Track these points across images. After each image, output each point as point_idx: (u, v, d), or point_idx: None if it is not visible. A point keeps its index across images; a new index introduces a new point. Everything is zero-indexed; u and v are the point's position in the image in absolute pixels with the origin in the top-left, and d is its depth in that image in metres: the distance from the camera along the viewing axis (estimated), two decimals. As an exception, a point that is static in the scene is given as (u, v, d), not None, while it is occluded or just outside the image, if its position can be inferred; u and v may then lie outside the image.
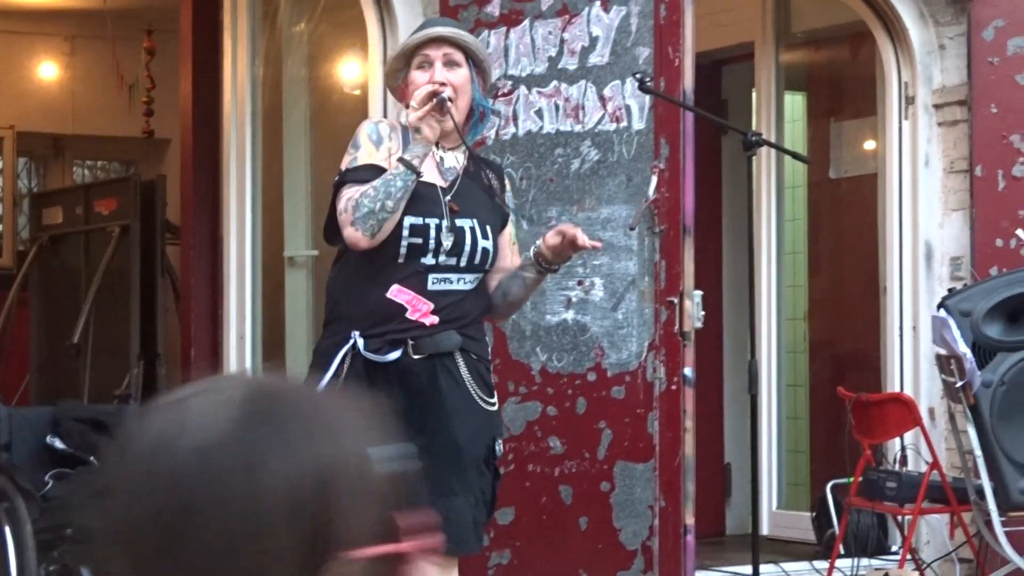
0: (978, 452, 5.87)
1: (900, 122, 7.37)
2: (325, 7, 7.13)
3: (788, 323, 8.38)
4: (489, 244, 4.42)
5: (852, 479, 6.58)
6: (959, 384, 5.91)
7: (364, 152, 4.37)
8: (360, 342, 4.29)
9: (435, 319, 4.31)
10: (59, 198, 10.44)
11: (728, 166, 8.64)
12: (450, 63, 4.39)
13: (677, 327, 5.42)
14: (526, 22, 5.74)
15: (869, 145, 8.04)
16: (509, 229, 4.59)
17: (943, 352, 6.07)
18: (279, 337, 7.26)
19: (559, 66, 5.67)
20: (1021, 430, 5.87)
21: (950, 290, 6.38)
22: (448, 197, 4.40)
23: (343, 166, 4.42)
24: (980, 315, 5.95)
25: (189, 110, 7.47)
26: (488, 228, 4.43)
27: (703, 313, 5.47)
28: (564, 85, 5.65)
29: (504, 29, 5.78)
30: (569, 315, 5.60)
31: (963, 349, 5.87)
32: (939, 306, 6.12)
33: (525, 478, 5.66)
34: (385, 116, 6.41)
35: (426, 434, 4.25)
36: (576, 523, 5.56)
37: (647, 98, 5.45)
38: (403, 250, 4.31)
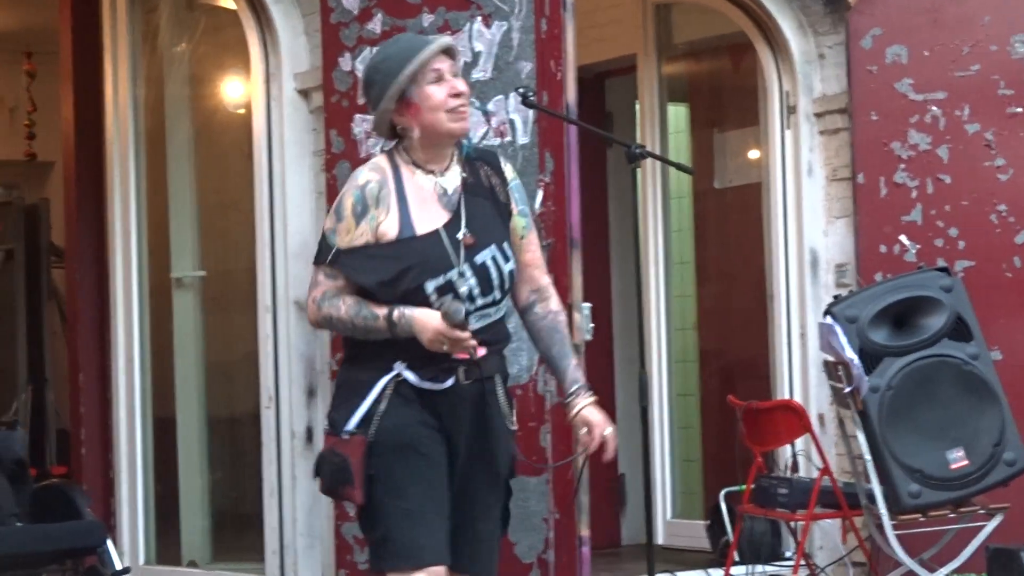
0: (868, 456, 5.93)
1: (782, 131, 7.41)
2: (206, 27, 7.07)
3: (677, 333, 8.40)
4: (512, 263, 4.29)
5: (745, 487, 6.60)
6: (847, 390, 5.96)
7: (344, 227, 4.19)
8: (410, 375, 4.18)
9: (483, 351, 4.22)
10: (-60, 222, 10.28)
11: (613, 178, 8.66)
12: (455, 73, 4.26)
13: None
14: (410, 39, 5.71)
15: (752, 155, 8.07)
16: (516, 222, 4.37)
17: (830, 358, 6.10)
18: (168, 360, 7.17)
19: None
20: (909, 433, 5.92)
21: (836, 297, 6.40)
22: (461, 233, 4.22)
23: (325, 228, 4.24)
24: (866, 321, 6.00)
25: (71, 132, 7.38)
26: (505, 246, 4.28)
27: (592, 325, 5.47)
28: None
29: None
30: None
31: (850, 355, 5.92)
32: (825, 313, 6.15)
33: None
34: (269, 132, 6.37)
35: (473, 463, 4.26)
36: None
37: (531, 112, 5.43)
38: (437, 307, 4.13)
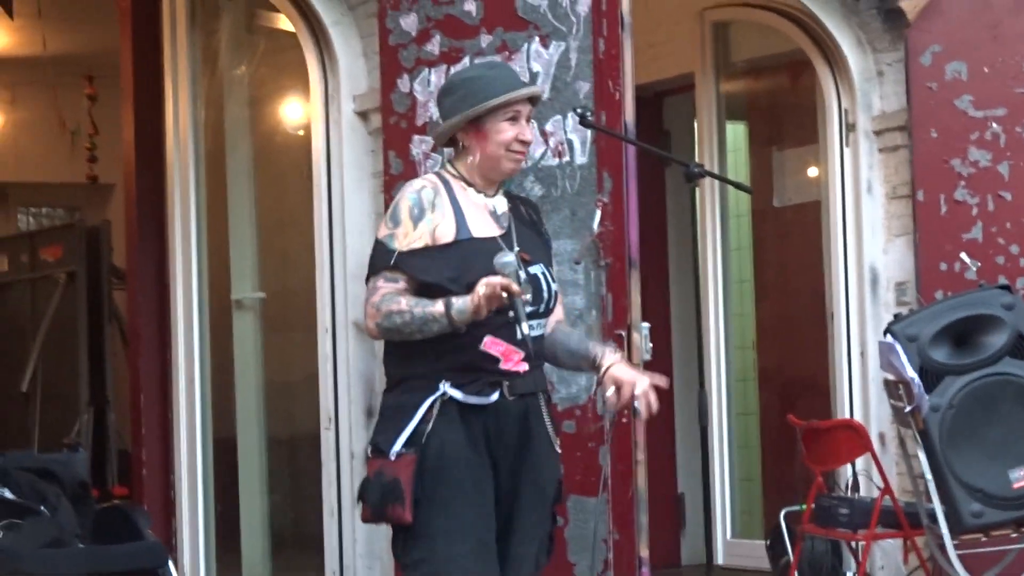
0: (929, 476, 5.89)
1: (842, 149, 7.39)
2: (265, 50, 7.10)
3: (737, 352, 8.38)
4: (556, 285, 4.43)
5: (805, 506, 6.58)
6: (908, 409, 5.93)
7: (403, 231, 4.27)
8: (455, 392, 4.22)
9: (526, 366, 4.30)
10: (4, 246, 10.38)
11: (671, 197, 8.67)
12: (529, 119, 4.39)
13: (627, 359, 5.41)
14: (466, 60, 5.71)
15: (811, 172, 8.04)
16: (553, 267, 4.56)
17: (891, 377, 6.07)
18: (229, 380, 7.20)
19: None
20: (970, 453, 5.88)
21: (896, 315, 6.41)
22: (515, 246, 4.33)
23: (380, 236, 4.32)
24: (927, 339, 5.96)
25: (132, 154, 7.42)
26: (550, 270, 4.42)
27: (651, 345, 5.46)
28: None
29: (445, 67, 5.76)
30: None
31: (911, 374, 5.89)
32: (886, 331, 6.13)
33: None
34: (328, 154, 6.40)
35: (519, 481, 4.30)
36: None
37: (589, 132, 5.45)
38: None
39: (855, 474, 6.89)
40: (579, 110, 5.26)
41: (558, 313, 4.51)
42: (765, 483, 8.30)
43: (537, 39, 5.59)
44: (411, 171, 5.78)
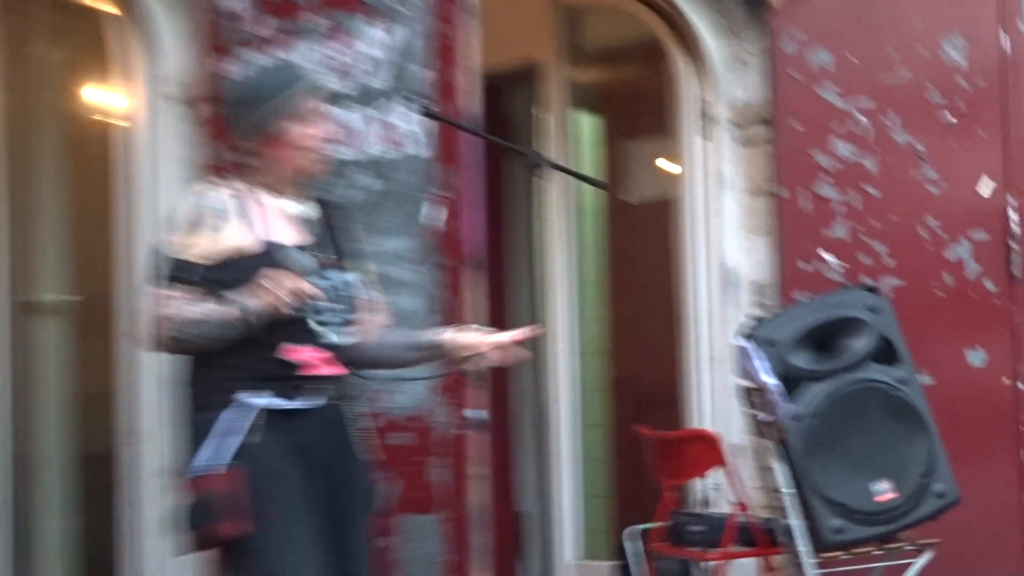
0: (787, 490, 6.01)
1: (699, 142, 7.50)
2: (80, 31, 6.94)
3: (587, 359, 8.40)
4: (359, 291, 4.56)
5: (655, 524, 6.62)
6: (765, 418, 6.07)
7: (197, 240, 4.35)
8: (263, 401, 4.34)
9: (331, 369, 4.44)
10: None
11: (516, 192, 8.70)
12: (324, 113, 4.51)
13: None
14: (300, 43, 5.75)
15: (669, 167, 8.09)
16: (362, 266, 4.69)
17: (748, 384, 6.17)
18: (27, 393, 7.09)
19: (336, 90, 5.59)
20: (832, 465, 6.00)
21: (754, 318, 6.47)
22: (317, 252, 4.48)
23: (172, 242, 4.38)
24: (786, 344, 6.09)
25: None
26: (355, 277, 4.56)
27: (494, 351, 5.56)
28: (341, 111, 5.64)
29: (277, 52, 5.77)
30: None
31: (769, 380, 6.02)
32: (743, 335, 6.21)
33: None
34: (149, 144, 6.36)
35: (337, 491, 4.44)
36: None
37: (430, 123, 5.53)
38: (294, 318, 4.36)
39: (708, 489, 7.02)
40: (420, 99, 5.37)
41: (381, 319, 4.65)
42: (615, 499, 8.33)
43: (378, 24, 5.65)
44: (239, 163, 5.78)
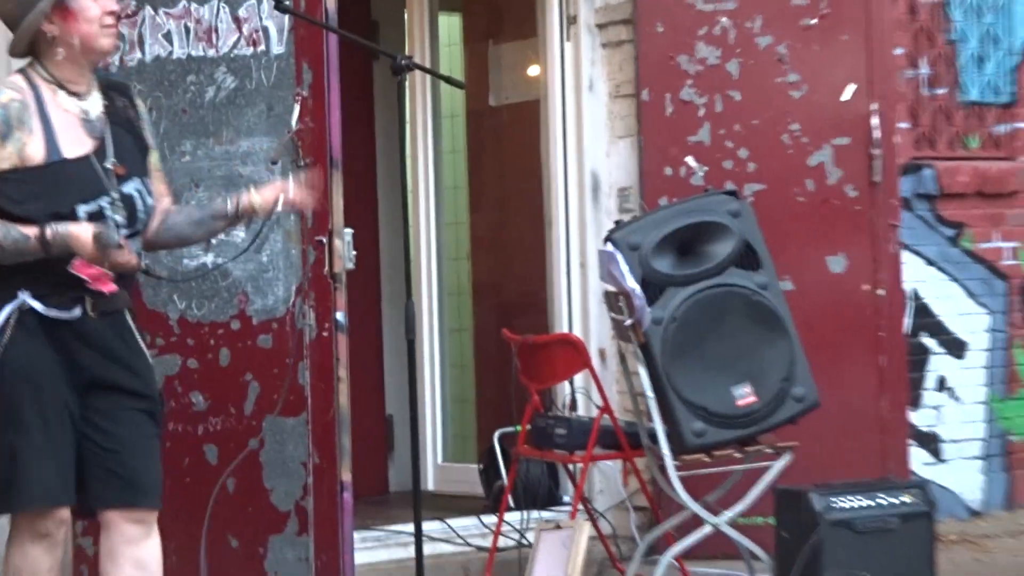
0: (650, 394, 6.01)
1: (562, 44, 7.44)
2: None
3: (450, 263, 8.43)
4: (151, 199, 4.51)
5: (520, 427, 6.64)
6: (628, 322, 6.02)
7: None
8: (35, 303, 4.33)
9: (114, 287, 4.40)
10: None
11: (380, 94, 8.60)
12: None
13: (327, 268, 5.43)
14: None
15: (531, 70, 8.05)
16: (151, 156, 4.63)
17: (611, 288, 6.14)
18: None
19: (186, -19, 5.59)
20: (694, 369, 6.01)
21: (617, 222, 6.48)
22: (109, 161, 4.40)
23: None
24: (649, 248, 6.06)
25: None
26: (147, 180, 4.49)
27: (355, 253, 5.48)
28: (195, 6, 5.57)
29: (127, -62, 5.66)
30: (208, 258, 5.56)
31: (631, 285, 5.98)
32: (606, 240, 6.19)
33: (165, 438, 5.58)
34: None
35: (108, 390, 4.44)
36: (224, 485, 5.54)
37: (287, 19, 5.41)
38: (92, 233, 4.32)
39: (573, 392, 7.00)
40: None
41: (165, 203, 4.65)
42: (479, 403, 8.40)
43: (229, -90, 5.54)
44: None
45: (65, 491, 4.40)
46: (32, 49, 4.40)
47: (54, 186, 4.32)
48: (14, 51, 4.46)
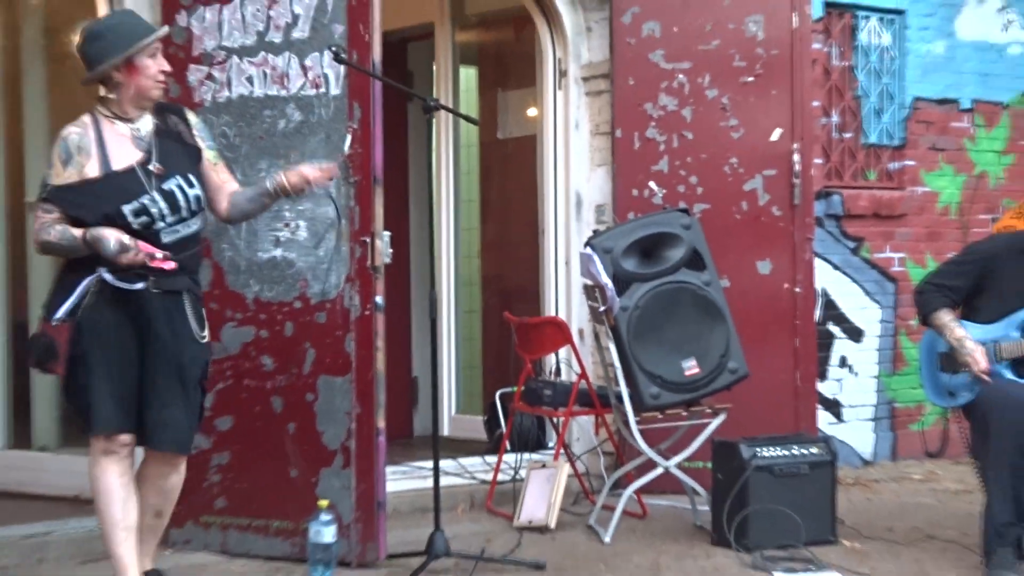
0: (617, 364, 5.99)
1: (555, 92, 7.42)
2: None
3: (464, 260, 8.41)
4: (197, 189, 4.62)
5: (516, 388, 6.67)
6: (602, 309, 6.03)
7: (55, 172, 4.49)
8: (109, 276, 4.45)
9: (173, 264, 4.50)
10: None
11: (413, 127, 8.62)
12: (160, 54, 4.62)
13: (369, 262, 5.41)
14: (236, 1, 5.60)
15: (530, 112, 8.06)
16: (207, 155, 4.75)
17: (589, 283, 6.14)
18: (23, 274, 6.97)
19: (266, 39, 5.54)
20: (652, 346, 5.99)
21: (595, 231, 6.45)
22: (152, 164, 4.54)
23: (45, 173, 4.55)
24: (619, 252, 6.06)
25: (-64, 73, 7.09)
26: (191, 176, 4.61)
27: (391, 250, 5.46)
28: (271, 56, 5.54)
29: (218, 7, 5.63)
30: (278, 252, 5.53)
31: (605, 280, 5.98)
32: (586, 245, 6.19)
33: (241, 391, 5.60)
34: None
35: (159, 356, 4.53)
36: (285, 428, 5.52)
37: (342, 68, 5.38)
38: (136, 228, 4.47)
39: (558, 362, 7.01)
40: (334, 49, 5.28)
41: (230, 184, 4.83)
42: (485, 369, 8.40)
43: (299, -15, 5.50)
44: (187, 95, 5.64)
45: (124, 423, 4.52)
46: (102, 83, 4.57)
47: (104, 193, 4.46)
48: (84, 83, 4.61)
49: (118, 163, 4.51)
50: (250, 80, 5.57)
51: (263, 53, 5.55)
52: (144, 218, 4.47)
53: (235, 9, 5.61)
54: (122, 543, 4.55)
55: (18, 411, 6.80)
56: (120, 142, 4.55)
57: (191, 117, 4.78)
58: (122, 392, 4.50)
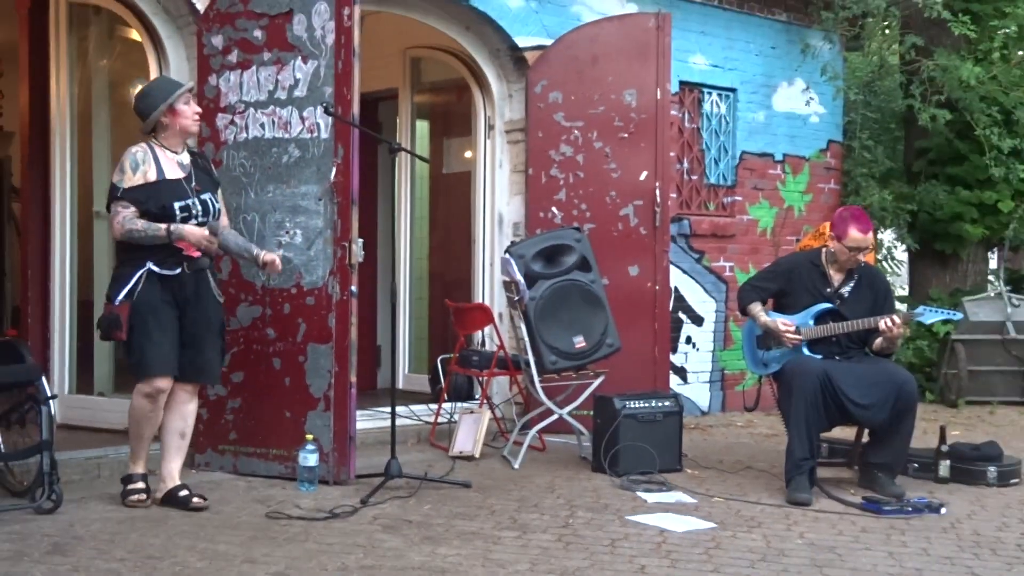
0: (526, 339, 6.01)
1: (485, 141, 7.42)
2: (120, 50, 6.73)
3: (416, 260, 8.37)
4: (220, 203, 4.89)
5: (453, 355, 6.66)
6: (516, 299, 6.04)
7: (127, 177, 4.65)
8: (155, 267, 4.65)
9: (199, 253, 4.76)
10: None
11: (381, 163, 8.53)
12: (192, 101, 4.87)
13: (347, 261, 5.37)
14: (254, 67, 5.55)
15: (467, 154, 8.03)
16: (218, 192, 4.99)
17: (507, 279, 6.15)
18: (89, 265, 6.85)
19: (275, 96, 5.50)
20: (552, 326, 6.00)
21: (512, 242, 6.49)
22: (193, 184, 4.77)
23: (115, 179, 4.69)
24: (529, 257, 6.09)
25: (27, 113, 6.96)
26: (215, 194, 4.88)
27: (363, 253, 5.44)
28: (278, 108, 5.50)
29: (240, 71, 5.58)
30: (280, 252, 5.49)
31: (519, 278, 6.00)
32: (506, 251, 6.20)
33: (251, 353, 5.54)
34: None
35: (196, 316, 4.76)
36: (283, 381, 5.48)
37: (330, 119, 5.35)
38: (179, 219, 4.68)
39: (483, 336, 7.03)
40: (324, 104, 5.24)
41: (224, 221, 4.98)
42: (431, 340, 8.35)
43: (300, 58, 5.43)
44: (216, 135, 5.58)
45: (168, 369, 4.71)
46: (152, 128, 4.78)
47: (161, 192, 4.68)
48: (144, 131, 4.81)
49: (170, 175, 4.72)
50: (262, 126, 5.52)
51: (272, 106, 5.49)
52: (185, 214, 4.69)
53: (252, 74, 5.56)
54: (138, 448, 4.87)
55: (81, 364, 6.68)
56: (169, 163, 4.75)
57: (208, 163, 5.05)
58: (167, 349, 4.66)
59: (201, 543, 4.26)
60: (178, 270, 4.68)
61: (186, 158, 4.82)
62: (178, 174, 4.75)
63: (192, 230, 4.69)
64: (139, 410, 4.77)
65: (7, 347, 4.97)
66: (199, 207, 4.74)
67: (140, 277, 4.63)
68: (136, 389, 4.76)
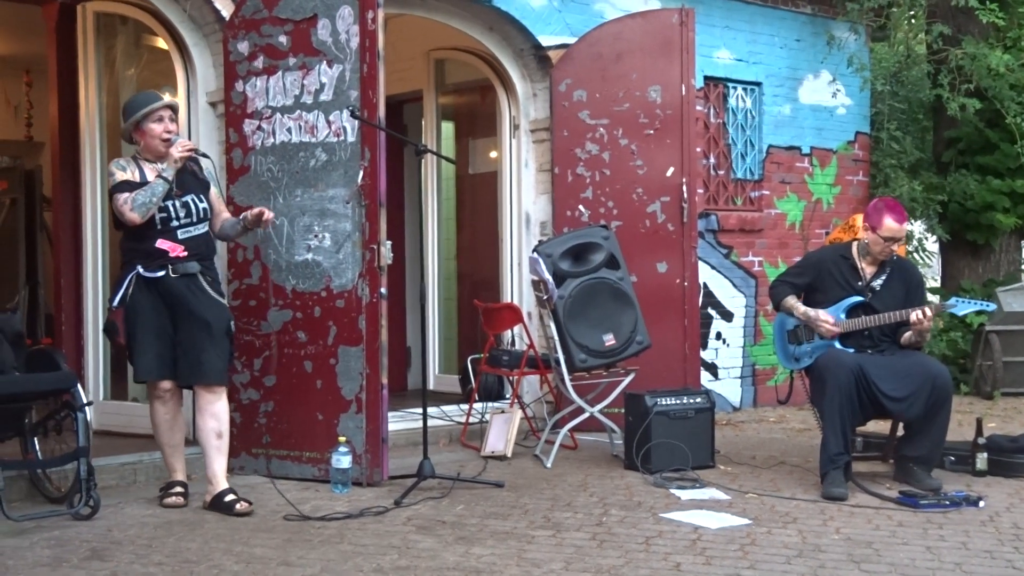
0: (556, 337, 5.99)
1: (511, 140, 7.41)
2: (147, 59, 6.78)
3: (444, 261, 8.39)
4: (205, 204, 4.95)
5: (482, 355, 6.65)
6: (545, 298, 6.04)
7: (119, 176, 4.81)
8: (141, 270, 4.77)
9: (185, 253, 4.84)
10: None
11: (407, 166, 8.58)
12: (172, 118, 4.94)
13: (376, 263, 5.39)
14: (280, 72, 5.57)
15: (492, 154, 8.02)
16: (214, 190, 5.05)
17: (535, 278, 6.15)
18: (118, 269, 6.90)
19: (301, 100, 5.52)
20: (581, 324, 5.99)
21: (540, 241, 6.47)
22: (173, 189, 4.87)
23: (109, 184, 4.84)
24: (557, 256, 6.07)
25: (56, 123, 7.01)
26: (201, 195, 4.95)
27: (392, 254, 5.45)
28: (304, 113, 5.51)
29: (266, 76, 5.61)
30: (310, 256, 5.51)
31: (547, 276, 5.99)
32: (533, 251, 6.19)
33: (283, 357, 5.57)
34: (189, 128, 6.16)
35: (189, 318, 4.80)
36: (315, 384, 5.50)
37: (356, 122, 5.36)
38: (158, 224, 4.80)
39: (513, 336, 7.03)
40: (350, 108, 5.25)
41: (224, 214, 5.11)
42: (460, 340, 8.37)
43: (325, 62, 5.44)
44: (243, 141, 5.61)
45: (162, 372, 4.81)
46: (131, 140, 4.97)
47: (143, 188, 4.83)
48: (124, 139, 5.04)
49: (147, 176, 4.86)
50: (289, 131, 5.54)
51: (299, 111, 5.52)
52: (164, 214, 4.78)
53: (278, 79, 5.58)
54: (170, 456, 4.96)
55: (115, 371, 6.73)
56: (150, 173, 4.87)
57: (203, 161, 5.10)
58: (159, 351, 4.76)
59: (237, 546, 4.28)
60: (161, 273, 4.76)
61: (169, 170, 4.88)
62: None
63: (175, 147, 4.82)
64: (152, 413, 4.92)
65: (42, 355, 5.02)
66: (180, 210, 4.83)
67: (130, 281, 4.76)
68: (148, 396, 4.95)
